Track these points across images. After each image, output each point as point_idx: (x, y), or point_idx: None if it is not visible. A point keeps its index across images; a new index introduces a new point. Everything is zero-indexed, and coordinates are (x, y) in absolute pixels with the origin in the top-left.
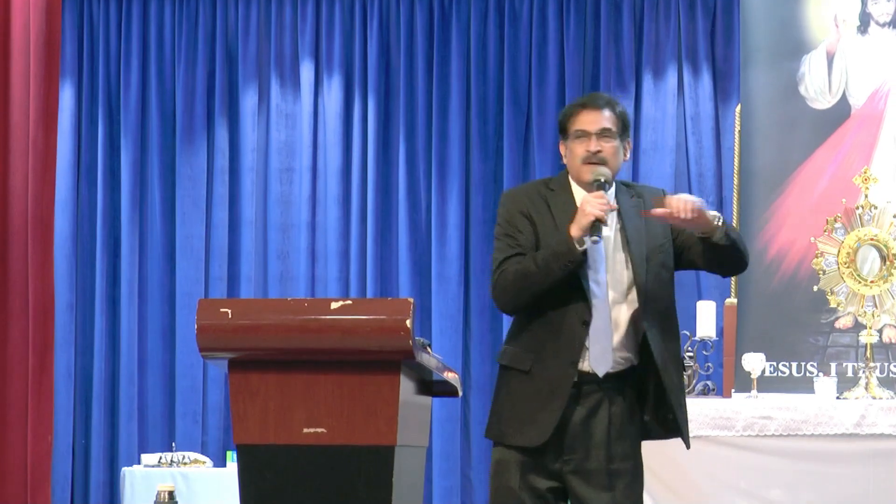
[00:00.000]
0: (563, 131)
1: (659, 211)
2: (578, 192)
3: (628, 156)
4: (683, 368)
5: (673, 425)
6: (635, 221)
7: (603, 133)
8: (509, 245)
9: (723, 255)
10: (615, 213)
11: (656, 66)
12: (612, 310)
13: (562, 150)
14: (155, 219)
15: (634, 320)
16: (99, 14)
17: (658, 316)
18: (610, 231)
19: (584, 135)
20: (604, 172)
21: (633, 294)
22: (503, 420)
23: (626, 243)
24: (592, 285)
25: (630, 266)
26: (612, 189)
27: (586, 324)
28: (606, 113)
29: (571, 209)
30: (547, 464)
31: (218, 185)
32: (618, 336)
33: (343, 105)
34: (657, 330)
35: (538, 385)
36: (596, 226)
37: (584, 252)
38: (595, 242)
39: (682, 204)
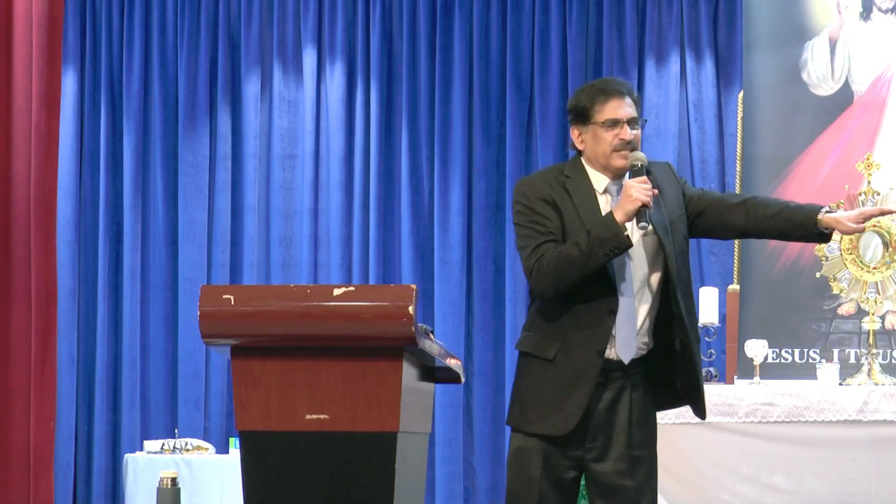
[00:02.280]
0: (583, 117)
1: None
2: (596, 178)
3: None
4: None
5: (694, 390)
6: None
7: (633, 122)
8: (538, 231)
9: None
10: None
11: (659, 52)
12: (636, 297)
13: (576, 135)
14: (157, 205)
15: (653, 305)
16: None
17: (682, 288)
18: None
19: (617, 123)
20: (641, 157)
21: (655, 278)
22: (525, 408)
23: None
24: (618, 273)
25: (651, 248)
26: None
27: (612, 313)
28: (630, 100)
29: (590, 194)
30: (570, 452)
31: (220, 171)
32: (639, 322)
33: (346, 91)
34: (683, 303)
35: (562, 373)
36: (642, 212)
37: (629, 238)
38: (643, 229)
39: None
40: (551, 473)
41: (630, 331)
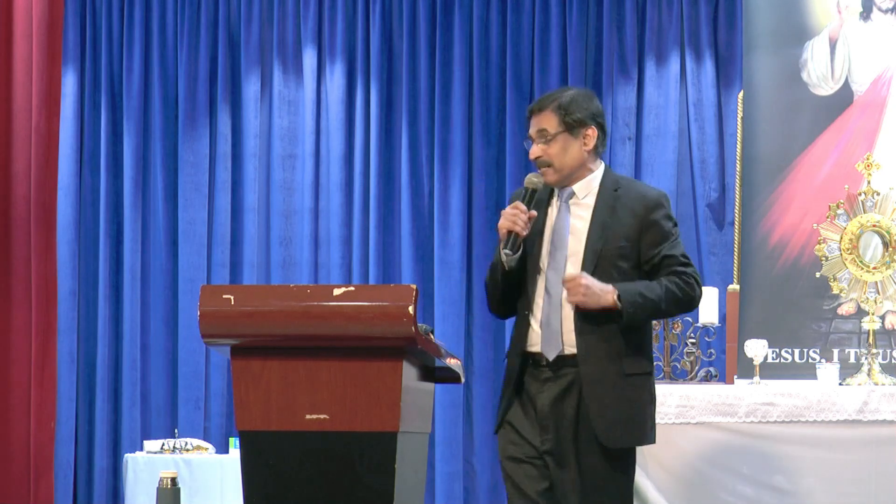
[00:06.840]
0: None
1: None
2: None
3: (591, 143)
4: (622, 363)
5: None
6: (602, 216)
7: (540, 135)
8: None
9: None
10: (591, 205)
11: (659, 52)
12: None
13: None
14: (157, 205)
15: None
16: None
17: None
18: (582, 221)
19: (531, 140)
20: (532, 181)
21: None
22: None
23: (588, 236)
24: (550, 274)
25: (583, 261)
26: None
27: (531, 312)
28: (545, 113)
29: (544, 203)
30: (532, 443)
31: (220, 170)
32: (561, 322)
33: (346, 91)
34: (591, 324)
35: (505, 374)
36: (511, 238)
37: (521, 260)
38: (507, 256)
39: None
40: (512, 455)
41: (555, 327)
